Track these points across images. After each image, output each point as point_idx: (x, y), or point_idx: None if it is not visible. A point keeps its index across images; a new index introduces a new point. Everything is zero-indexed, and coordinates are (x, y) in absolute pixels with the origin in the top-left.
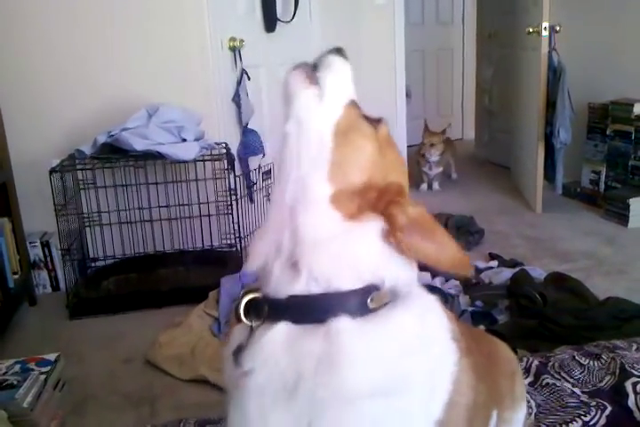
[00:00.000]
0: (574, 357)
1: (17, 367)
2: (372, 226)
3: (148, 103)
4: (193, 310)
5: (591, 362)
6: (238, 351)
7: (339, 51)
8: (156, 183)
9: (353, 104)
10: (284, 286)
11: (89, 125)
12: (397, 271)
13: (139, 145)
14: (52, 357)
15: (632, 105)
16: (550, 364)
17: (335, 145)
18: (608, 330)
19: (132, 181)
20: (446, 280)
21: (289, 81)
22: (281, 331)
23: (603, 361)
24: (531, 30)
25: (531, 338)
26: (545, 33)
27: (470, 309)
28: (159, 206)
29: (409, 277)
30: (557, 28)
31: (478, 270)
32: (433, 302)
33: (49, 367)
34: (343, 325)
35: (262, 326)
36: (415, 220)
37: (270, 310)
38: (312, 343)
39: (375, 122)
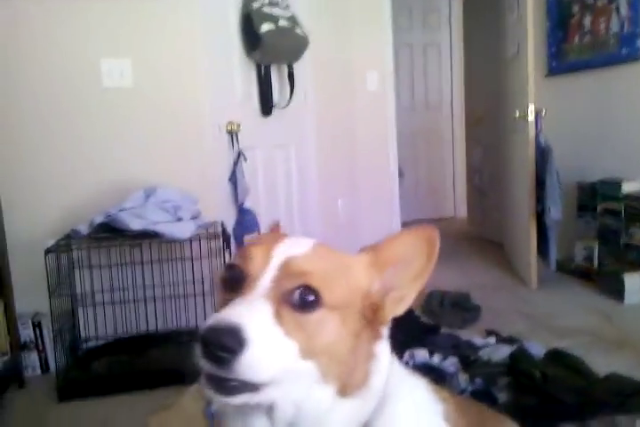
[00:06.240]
0: None
1: None
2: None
3: (145, 184)
4: (186, 392)
5: None
6: None
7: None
8: (151, 262)
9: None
10: None
11: (86, 207)
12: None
13: (135, 224)
14: None
15: (620, 184)
16: None
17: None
18: (610, 407)
19: (127, 260)
20: (444, 358)
21: None
22: None
23: None
24: (517, 115)
25: (532, 416)
26: (531, 117)
27: (470, 387)
28: (153, 285)
29: (389, 381)
30: (543, 113)
31: (476, 347)
32: (416, 388)
33: None
34: None
35: None
36: (384, 261)
37: None
38: None
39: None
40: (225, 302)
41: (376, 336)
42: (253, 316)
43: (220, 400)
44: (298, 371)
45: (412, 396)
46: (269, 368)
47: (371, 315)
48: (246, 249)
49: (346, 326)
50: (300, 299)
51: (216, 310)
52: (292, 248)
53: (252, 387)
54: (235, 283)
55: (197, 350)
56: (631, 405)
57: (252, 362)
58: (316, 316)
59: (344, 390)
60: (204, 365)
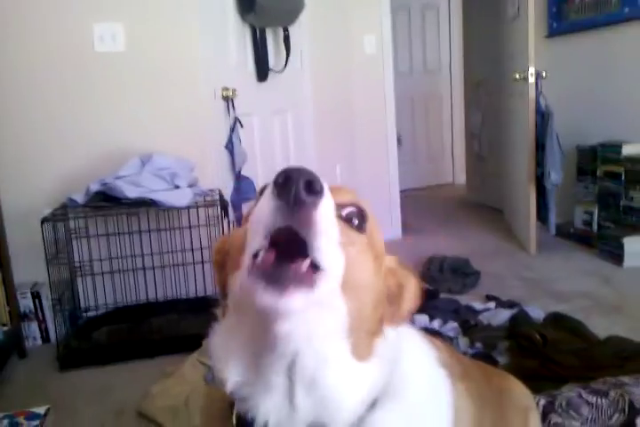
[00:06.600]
0: (581, 395)
1: (5, 422)
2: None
3: (141, 152)
4: (186, 360)
5: (599, 400)
6: None
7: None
8: (149, 231)
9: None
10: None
11: (82, 175)
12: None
13: (131, 193)
14: (41, 410)
15: (620, 146)
16: (557, 402)
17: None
18: (610, 369)
19: (125, 229)
20: (444, 323)
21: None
22: None
23: (611, 398)
24: (517, 77)
25: (533, 379)
26: (531, 79)
27: (470, 351)
28: (152, 254)
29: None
30: (543, 74)
31: (476, 312)
32: (412, 337)
33: (38, 421)
34: None
35: None
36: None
37: None
38: None
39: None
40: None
41: (394, 319)
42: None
43: (273, 300)
44: (331, 307)
45: (411, 345)
46: (334, 257)
47: (395, 289)
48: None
49: (378, 279)
50: (348, 217)
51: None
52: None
53: (310, 278)
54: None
55: (269, 195)
56: (631, 367)
57: (325, 215)
58: (362, 239)
59: (362, 352)
60: (277, 212)
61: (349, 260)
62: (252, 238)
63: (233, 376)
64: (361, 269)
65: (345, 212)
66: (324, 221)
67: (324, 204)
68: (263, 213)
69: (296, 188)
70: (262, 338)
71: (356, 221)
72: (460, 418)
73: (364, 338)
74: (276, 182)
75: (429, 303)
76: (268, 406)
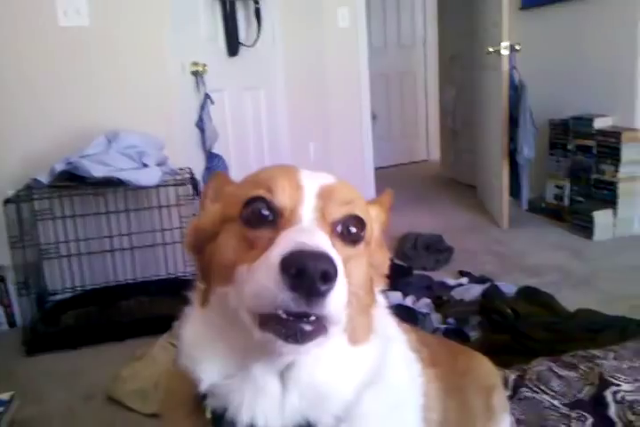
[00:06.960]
0: (551, 368)
1: None
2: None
3: (107, 130)
4: (156, 342)
5: (569, 373)
6: None
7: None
8: (117, 211)
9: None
10: None
11: (46, 154)
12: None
13: (98, 172)
14: (5, 396)
15: (592, 120)
16: (527, 377)
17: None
18: (581, 342)
19: (92, 210)
20: (417, 299)
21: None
22: None
23: (581, 371)
24: (491, 50)
25: (504, 353)
26: (505, 52)
27: (443, 326)
28: (121, 235)
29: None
30: (517, 47)
31: (448, 287)
32: (387, 319)
33: (2, 408)
34: None
35: None
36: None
37: None
38: None
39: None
40: (248, 240)
41: (380, 281)
42: (327, 245)
43: (289, 350)
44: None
45: (387, 329)
46: (344, 303)
47: (379, 256)
48: (267, 180)
49: (368, 266)
50: (345, 230)
51: (233, 251)
52: (319, 178)
53: (325, 329)
54: (261, 217)
55: (277, 282)
56: (601, 340)
57: (339, 294)
58: (358, 250)
59: (361, 334)
60: (290, 301)
61: (349, 275)
62: (258, 305)
63: (210, 376)
64: (359, 274)
65: (340, 227)
66: (339, 299)
67: (338, 285)
68: (273, 297)
69: (313, 281)
70: (257, 351)
71: (354, 230)
72: (430, 405)
73: (361, 317)
74: (287, 272)
75: (402, 280)
76: (255, 407)
